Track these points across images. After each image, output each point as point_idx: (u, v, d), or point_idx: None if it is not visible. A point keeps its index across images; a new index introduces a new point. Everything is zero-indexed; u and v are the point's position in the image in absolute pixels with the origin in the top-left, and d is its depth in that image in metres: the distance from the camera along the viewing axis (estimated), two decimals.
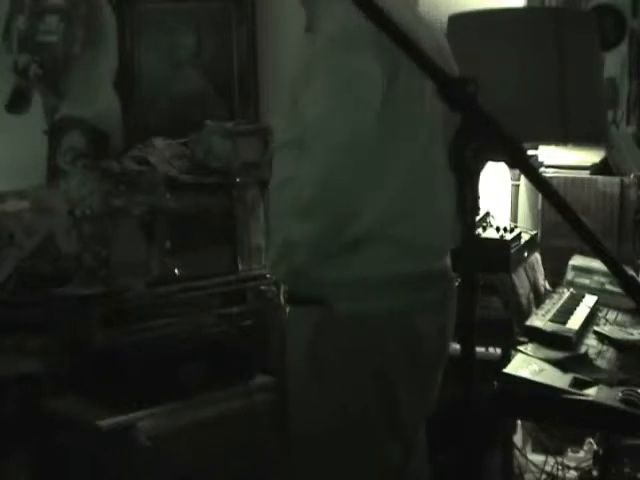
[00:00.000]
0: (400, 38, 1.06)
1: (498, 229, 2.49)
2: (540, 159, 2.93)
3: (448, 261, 1.93)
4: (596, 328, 2.35)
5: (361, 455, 1.84)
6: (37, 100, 2.92)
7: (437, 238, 1.87)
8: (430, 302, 1.85)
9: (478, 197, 1.06)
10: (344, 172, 1.72)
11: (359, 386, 1.81)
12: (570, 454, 2.99)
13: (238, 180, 2.68)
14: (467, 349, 1.11)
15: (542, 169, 3.00)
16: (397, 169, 1.78)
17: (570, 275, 2.75)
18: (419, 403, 1.91)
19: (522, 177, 2.74)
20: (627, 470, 2.71)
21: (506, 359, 2.17)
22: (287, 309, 1.99)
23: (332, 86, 1.72)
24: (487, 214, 2.61)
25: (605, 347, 2.23)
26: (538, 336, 2.22)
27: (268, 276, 2.71)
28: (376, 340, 1.80)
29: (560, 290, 2.65)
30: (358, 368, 1.80)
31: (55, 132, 2.95)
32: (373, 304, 1.78)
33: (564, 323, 2.30)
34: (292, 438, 1.95)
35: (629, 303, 2.42)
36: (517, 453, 2.79)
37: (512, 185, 2.78)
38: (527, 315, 2.41)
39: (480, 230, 2.49)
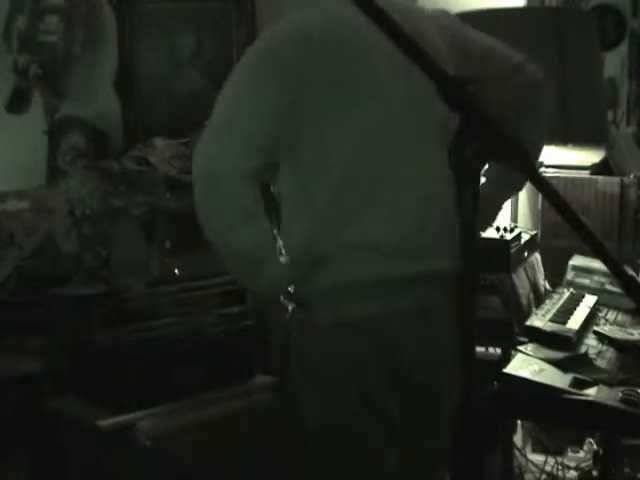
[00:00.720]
0: (400, 38, 1.06)
1: (498, 229, 2.49)
2: (540, 159, 2.93)
3: (442, 265, 1.79)
4: (596, 328, 2.35)
5: (349, 454, 1.84)
6: (37, 100, 2.92)
7: (409, 240, 1.80)
8: (405, 308, 1.80)
9: (478, 197, 1.06)
10: None
11: (338, 386, 1.82)
12: (570, 454, 2.99)
13: None
14: (467, 349, 1.11)
15: (542, 169, 3.00)
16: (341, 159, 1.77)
17: (570, 275, 2.75)
18: (413, 412, 1.89)
19: None
20: (627, 470, 2.71)
21: (506, 359, 2.17)
22: (289, 307, 2.00)
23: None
24: None
25: (605, 347, 2.23)
26: (538, 336, 2.22)
27: None
28: (350, 345, 1.80)
29: (560, 290, 2.65)
30: (336, 369, 1.81)
31: (55, 132, 2.95)
32: (346, 310, 1.78)
33: (564, 323, 2.30)
34: (290, 436, 1.96)
35: (629, 303, 2.42)
36: (517, 453, 2.79)
37: None
38: (527, 315, 2.41)
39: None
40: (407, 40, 1.04)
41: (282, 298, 1.98)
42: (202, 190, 1.76)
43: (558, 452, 2.93)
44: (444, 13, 2.03)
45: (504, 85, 1.92)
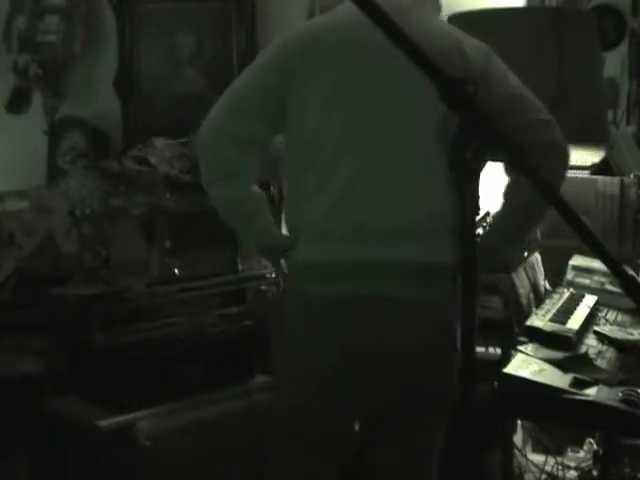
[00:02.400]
0: (399, 38, 1.06)
1: None
2: None
3: (396, 254, 1.85)
4: (596, 328, 2.35)
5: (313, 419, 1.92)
6: (37, 100, 2.92)
7: (359, 228, 1.85)
8: (359, 296, 1.84)
9: (478, 197, 1.06)
10: None
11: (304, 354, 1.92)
12: (570, 454, 2.99)
13: None
14: (467, 349, 1.10)
15: None
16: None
17: (570, 275, 2.75)
18: (387, 404, 1.93)
19: None
20: (627, 470, 2.71)
21: (506, 359, 2.17)
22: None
23: None
24: (487, 214, 2.61)
25: (605, 347, 2.23)
26: (538, 336, 2.21)
27: (268, 276, 2.71)
28: (309, 325, 1.90)
29: (560, 290, 2.65)
30: (298, 339, 1.93)
31: (55, 132, 2.95)
32: (305, 287, 1.90)
33: (564, 323, 2.29)
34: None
35: (629, 303, 2.41)
36: (517, 453, 2.79)
37: None
38: (527, 315, 2.41)
39: (480, 230, 2.49)
40: (407, 40, 1.04)
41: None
42: (198, 146, 2.05)
43: (558, 452, 2.93)
44: (482, 49, 1.99)
45: (523, 137, 1.80)
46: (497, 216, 2.10)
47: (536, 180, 1.11)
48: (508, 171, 2.21)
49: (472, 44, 1.96)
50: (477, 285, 1.13)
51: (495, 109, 1.83)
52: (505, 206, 2.02)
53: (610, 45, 3.75)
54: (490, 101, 1.83)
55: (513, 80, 1.97)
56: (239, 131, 1.92)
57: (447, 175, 1.84)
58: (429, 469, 2.00)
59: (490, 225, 2.22)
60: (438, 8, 2.15)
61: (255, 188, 2.01)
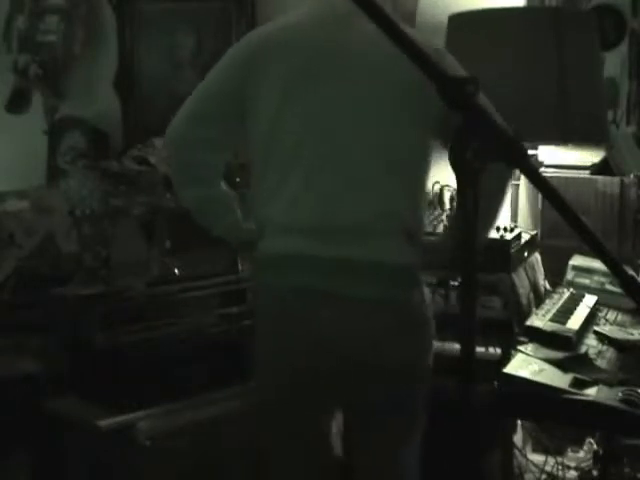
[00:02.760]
0: (399, 37, 1.06)
1: (498, 229, 2.49)
2: (540, 159, 2.93)
3: (355, 253, 1.86)
4: (596, 328, 2.35)
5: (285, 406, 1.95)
6: (37, 100, 2.92)
7: (319, 224, 1.87)
8: (316, 291, 1.86)
9: (478, 197, 1.06)
10: None
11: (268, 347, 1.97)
12: (570, 454, 2.98)
13: (238, 180, 2.68)
14: (467, 349, 1.10)
15: (542, 169, 3.00)
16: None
17: (570, 275, 2.75)
18: (362, 397, 1.94)
19: (522, 177, 2.74)
20: (627, 470, 2.71)
21: (506, 359, 2.17)
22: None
23: None
24: None
25: (605, 347, 2.23)
26: (538, 336, 2.22)
27: None
28: (275, 314, 1.93)
29: (560, 290, 2.65)
30: (266, 331, 1.98)
31: (55, 132, 2.95)
32: (274, 281, 1.92)
33: (564, 323, 2.29)
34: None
35: (629, 303, 2.41)
36: (517, 453, 2.79)
37: (512, 185, 2.78)
38: (527, 315, 2.41)
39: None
40: (408, 41, 1.04)
41: None
42: (166, 150, 2.19)
43: (558, 452, 2.93)
44: (438, 50, 2.03)
45: None
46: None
47: (536, 180, 1.11)
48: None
49: (427, 44, 1.98)
50: (477, 285, 1.13)
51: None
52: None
53: (610, 45, 3.75)
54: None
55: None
56: (203, 135, 2.00)
57: (406, 175, 1.89)
58: (408, 470, 2.01)
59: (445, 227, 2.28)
60: (396, 9, 2.18)
61: (223, 186, 2.10)
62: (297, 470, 2.02)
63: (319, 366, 1.89)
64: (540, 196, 2.92)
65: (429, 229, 2.48)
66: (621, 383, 1.97)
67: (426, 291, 1.97)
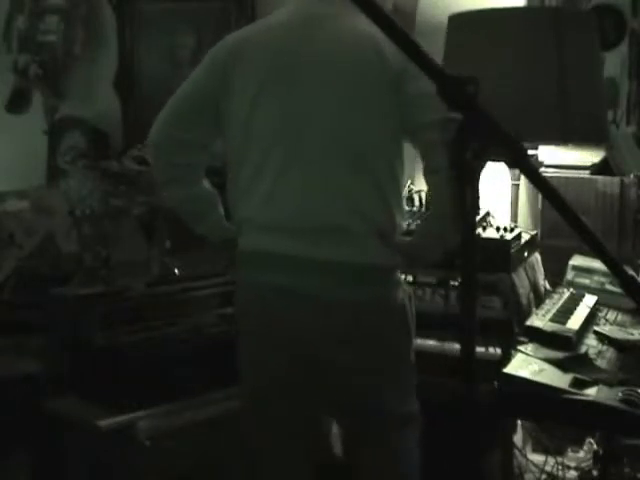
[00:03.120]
0: (400, 38, 1.06)
1: (498, 229, 2.49)
2: (540, 159, 2.93)
3: (324, 253, 1.88)
4: (596, 328, 2.35)
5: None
6: (37, 100, 2.92)
7: (289, 223, 1.89)
8: (289, 289, 1.88)
9: (478, 197, 1.06)
10: None
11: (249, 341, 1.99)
12: (570, 454, 2.98)
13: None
14: (467, 349, 1.10)
15: (542, 169, 3.00)
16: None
17: (570, 275, 2.75)
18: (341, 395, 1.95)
19: (522, 177, 2.74)
20: (627, 470, 2.71)
21: (506, 359, 2.17)
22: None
23: None
24: (487, 214, 2.61)
25: (605, 347, 2.23)
26: (538, 336, 2.22)
27: None
28: (250, 309, 1.96)
29: (560, 290, 2.65)
30: (247, 327, 2.00)
31: (55, 132, 2.95)
32: (249, 276, 1.96)
33: (564, 323, 2.29)
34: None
35: (629, 303, 2.41)
36: (517, 453, 2.79)
37: (512, 185, 2.78)
38: (527, 315, 2.41)
39: (480, 230, 2.49)
40: (407, 40, 1.04)
41: None
42: (150, 154, 2.24)
43: (558, 452, 2.93)
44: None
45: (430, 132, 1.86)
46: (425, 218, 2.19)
47: (536, 180, 1.11)
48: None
49: (393, 46, 1.98)
50: (477, 285, 1.13)
51: (409, 104, 1.88)
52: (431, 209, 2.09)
53: (610, 45, 3.75)
54: (405, 99, 1.87)
55: (426, 81, 1.99)
56: (182, 136, 2.06)
57: (375, 176, 1.89)
58: (409, 470, 2.01)
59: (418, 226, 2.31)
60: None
61: (206, 184, 2.14)
62: (281, 470, 2.03)
63: (297, 366, 1.91)
64: (540, 196, 2.92)
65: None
66: (621, 383, 1.97)
67: (407, 291, 2.00)
